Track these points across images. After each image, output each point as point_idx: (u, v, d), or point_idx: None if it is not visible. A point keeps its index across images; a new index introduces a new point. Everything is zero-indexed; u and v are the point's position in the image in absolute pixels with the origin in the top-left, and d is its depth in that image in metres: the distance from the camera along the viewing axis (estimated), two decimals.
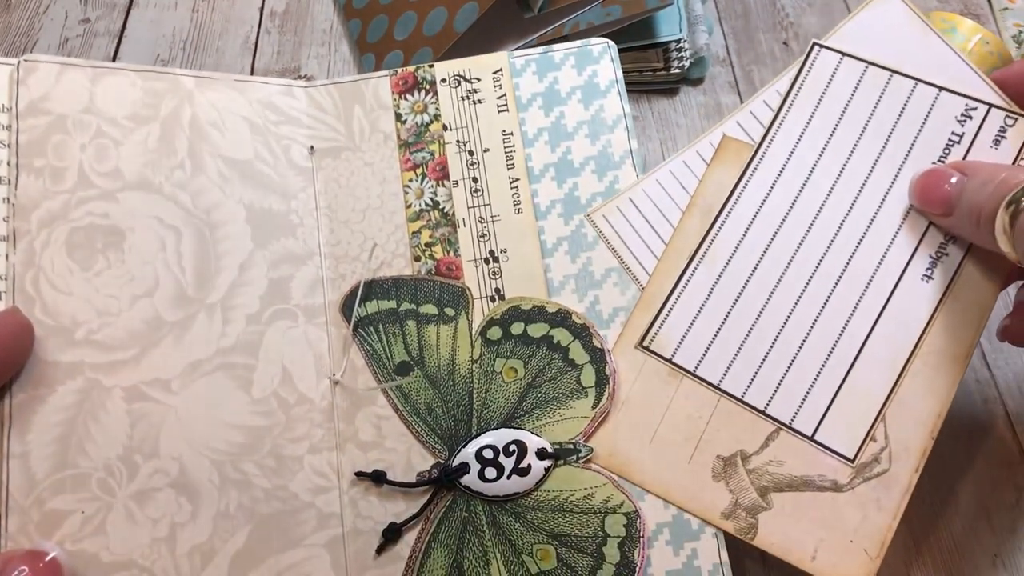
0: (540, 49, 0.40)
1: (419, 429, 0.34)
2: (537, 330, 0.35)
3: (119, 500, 0.32)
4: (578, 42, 0.40)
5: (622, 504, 0.33)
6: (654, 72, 0.53)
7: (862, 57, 0.36)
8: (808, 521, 0.32)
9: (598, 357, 0.35)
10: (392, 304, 0.36)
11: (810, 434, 0.33)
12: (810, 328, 0.34)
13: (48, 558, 0.30)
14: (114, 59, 0.56)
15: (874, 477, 0.33)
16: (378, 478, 0.34)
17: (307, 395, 0.35)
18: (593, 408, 0.34)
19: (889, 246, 0.34)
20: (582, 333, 0.35)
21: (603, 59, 0.39)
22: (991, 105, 0.35)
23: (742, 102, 0.53)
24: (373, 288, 0.37)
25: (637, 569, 0.32)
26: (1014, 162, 0.34)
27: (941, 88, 0.35)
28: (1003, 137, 0.34)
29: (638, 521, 0.32)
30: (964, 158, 0.34)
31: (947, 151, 0.35)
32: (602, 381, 0.34)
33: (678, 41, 0.52)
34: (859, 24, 0.37)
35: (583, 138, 0.38)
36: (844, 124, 0.36)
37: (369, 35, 0.53)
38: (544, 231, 0.37)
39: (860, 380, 0.33)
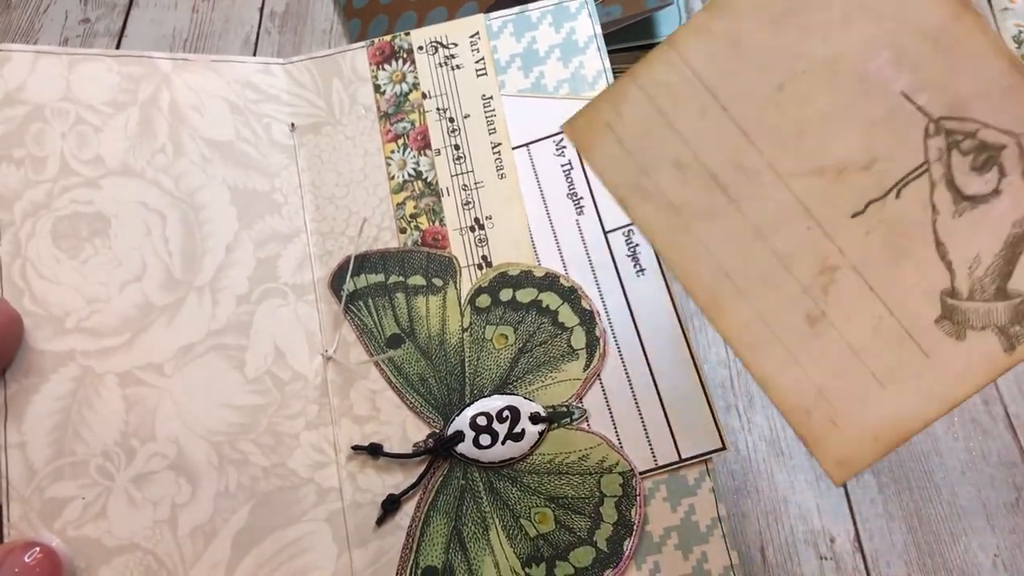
0: (516, 9, 0.39)
1: (413, 400, 0.34)
2: (525, 295, 0.35)
3: (119, 484, 0.32)
4: None
5: (617, 464, 0.33)
6: None
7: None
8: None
9: (587, 319, 0.35)
10: (380, 277, 0.36)
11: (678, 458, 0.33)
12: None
13: (40, 548, 0.30)
14: None
15: None
16: (375, 451, 0.34)
17: (301, 372, 0.35)
18: (585, 370, 0.34)
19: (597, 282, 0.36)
20: (571, 295, 0.35)
21: (580, 15, 0.39)
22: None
23: None
24: (361, 262, 0.37)
25: (635, 527, 0.32)
26: None
27: (527, 144, 0.38)
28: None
29: (634, 480, 0.32)
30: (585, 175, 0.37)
31: (569, 179, 0.37)
32: (592, 343, 0.34)
33: None
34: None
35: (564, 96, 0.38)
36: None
37: (369, 35, 0.53)
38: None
39: (669, 386, 0.34)
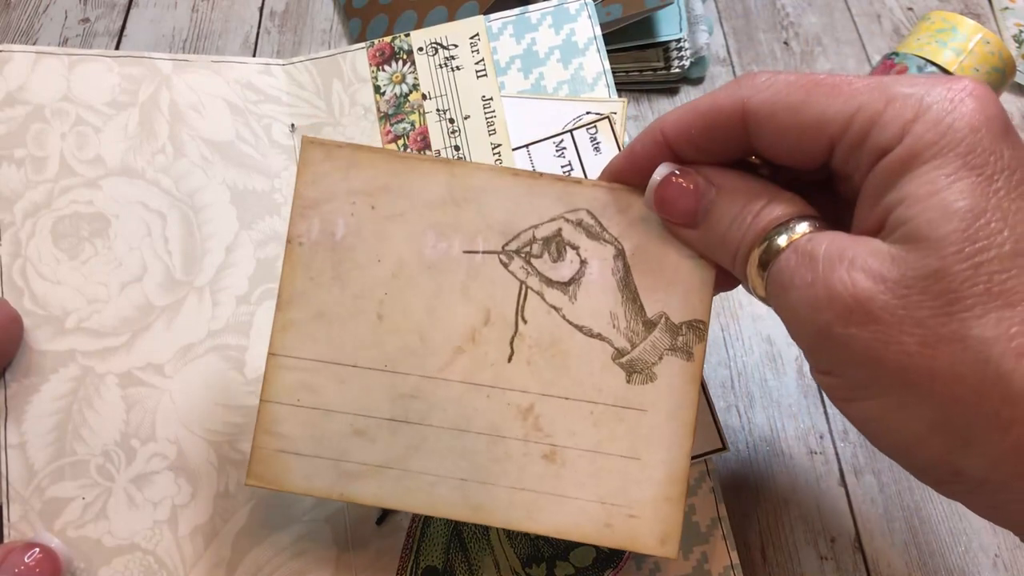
0: (517, 11, 0.39)
1: None
2: None
3: (119, 485, 0.32)
4: (555, 0, 0.39)
5: None
6: (654, 72, 0.53)
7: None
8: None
9: None
10: None
11: None
12: None
13: (39, 548, 0.30)
14: None
15: None
16: None
17: None
18: None
19: None
20: None
21: (580, 16, 0.39)
22: (569, 131, 0.37)
23: None
24: None
25: None
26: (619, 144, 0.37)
27: (527, 145, 0.38)
28: (598, 141, 0.37)
29: None
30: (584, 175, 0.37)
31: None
32: None
33: (678, 41, 0.52)
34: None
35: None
36: None
37: (369, 34, 0.53)
38: None
39: None
